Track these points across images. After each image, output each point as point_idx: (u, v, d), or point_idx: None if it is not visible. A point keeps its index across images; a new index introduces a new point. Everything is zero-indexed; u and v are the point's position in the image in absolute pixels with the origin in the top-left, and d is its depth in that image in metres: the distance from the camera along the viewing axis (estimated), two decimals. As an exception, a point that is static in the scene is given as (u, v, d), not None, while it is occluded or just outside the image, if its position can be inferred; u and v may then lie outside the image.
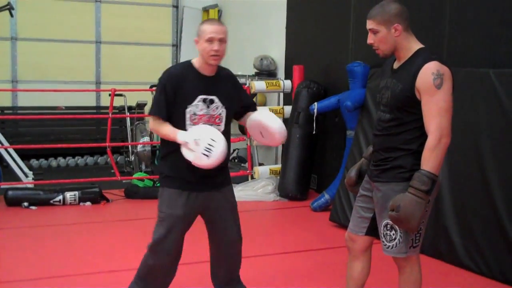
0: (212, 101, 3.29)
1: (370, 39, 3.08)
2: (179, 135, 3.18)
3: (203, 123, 3.26)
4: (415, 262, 3.17)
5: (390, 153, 3.07)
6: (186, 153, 3.16)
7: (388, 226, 3.08)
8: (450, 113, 2.92)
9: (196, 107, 3.26)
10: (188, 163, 3.22)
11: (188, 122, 3.26)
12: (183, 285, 4.11)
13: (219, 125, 3.32)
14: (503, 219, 4.47)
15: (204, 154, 3.09)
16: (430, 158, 2.88)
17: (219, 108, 3.32)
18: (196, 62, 3.35)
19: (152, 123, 3.31)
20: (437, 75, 2.88)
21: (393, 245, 3.09)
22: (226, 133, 3.37)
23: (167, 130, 3.25)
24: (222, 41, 3.25)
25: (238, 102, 3.46)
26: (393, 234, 3.07)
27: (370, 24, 3.05)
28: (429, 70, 2.89)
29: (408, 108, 2.98)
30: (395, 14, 2.99)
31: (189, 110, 3.25)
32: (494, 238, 4.54)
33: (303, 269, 4.77)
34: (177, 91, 3.22)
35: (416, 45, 3.05)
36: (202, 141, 3.10)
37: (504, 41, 4.88)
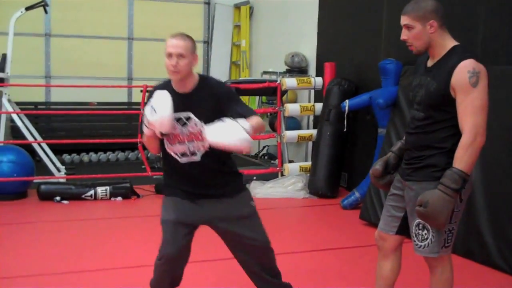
0: (188, 118, 3.18)
1: (404, 35, 3.04)
2: (143, 126, 3.18)
3: (180, 142, 3.21)
4: (447, 262, 3.13)
5: (423, 152, 3.03)
6: (151, 132, 3.15)
7: (420, 225, 3.04)
8: (486, 112, 2.86)
9: None
10: (182, 179, 3.26)
11: (165, 141, 3.25)
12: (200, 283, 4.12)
13: (202, 141, 3.15)
14: (537, 220, 4.39)
15: (153, 116, 3.03)
16: (464, 157, 2.84)
17: (198, 125, 3.18)
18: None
19: None
20: (473, 73, 2.83)
21: (425, 244, 3.06)
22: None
23: (143, 139, 3.28)
24: (181, 56, 3.12)
25: (223, 116, 3.14)
26: (425, 234, 3.04)
27: (404, 20, 3.01)
28: (465, 68, 2.84)
29: (443, 106, 2.94)
30: (430, 10, 2.95)
31: None
32: (528, 239, 4.47)
33: (333, 267, 4.74)
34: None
35: (451, 43, 3.00)
36: (147, 111, 3.06)
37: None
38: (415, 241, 3.11)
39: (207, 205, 3.30)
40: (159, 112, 3.02)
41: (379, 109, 6.23)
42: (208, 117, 3.14)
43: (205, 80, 3.28)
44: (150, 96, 3.25)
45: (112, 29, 10.79)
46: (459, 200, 2.96)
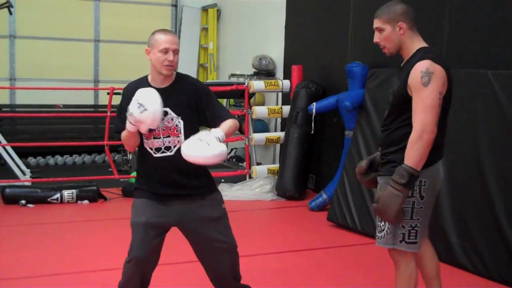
0: (165, 113, 3.20)
1: (376, 38, 3.20)
2: (127, 124, 3.14)
3: (155, 137, 3.22)
4: (411, 259, 3.20)
5: (387, 149, 3.18)
6: (137, 129, 3.13)
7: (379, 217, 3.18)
8: (436, 111, 2.97)
9: None
10: (155, 177, 3.26)
11: (143, 136, 3.25)
12: (169, 285, 4.11)
13: (178, 136, 3.22)
14: (501, 220, 4.47)
15: (141, 112, 3.01)
16: (411, 153, 2.97)
17: (174, 120, 3.22)
18: (150, 75, 3.30)
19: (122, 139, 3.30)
20: (425, 73, 2.96)
21: (381, 236, 3.18)
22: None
23: (122, 134, 3.24)
24: (176, 52, 3.19)
25: (199, 112, 3.29)
26: (382, 225, 3.17)
27: (376, 23, 3.18)
28: (419, 68, 2.98)
29: (403, 105, 3.06)
30: (400, 13, 3.11)
31: None
32: (492, 239, 4.54)
33: (301, 269, 4.76)
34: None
35: (418, 45, 3.13)
36: (132, 107, 3.04)
37: (503, 43, 4.89)
38: (376, 233, 3.24)
39: (178, 206, 3.29)
40: (150, 108, 3.03)
41: (346, 111, 6.29)
42: (184, 112, 3.23)
43: (182, 77, 3.33)
44: (126, 95, 3.24)
45: (78, 31, 10.68)
46: (419, 197, 3.06)
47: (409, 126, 3.03)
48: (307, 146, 7.34)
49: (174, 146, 3.23)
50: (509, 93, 4.54)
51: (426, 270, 3.43)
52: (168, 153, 3.24)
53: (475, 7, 5.19)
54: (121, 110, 3.27)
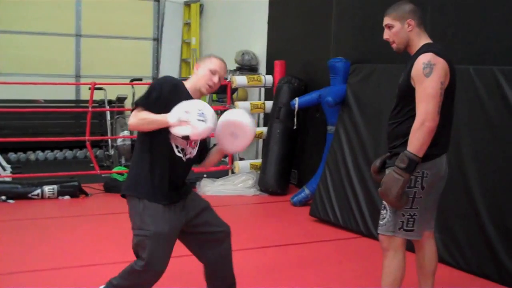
0: None
1: (386, 35, 3.37)
2: (169, 116, 3.07)
3: (179, 144, 3.22)
4: (400, 248, 3.29)
5: (393, 142, 3.32)
6: (180, 130, 3.06)
7: (383, 206, 3.31)
8: (437, 100, 3.10)
9: None
10: (171, 176, 3.23)
11: (169, 135, 3.16)
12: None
13: (193, 149, 3.31)
14: (481, 214, 4.51)
15: (200, 120, 3.04)
16: (412, 139, 3.11)
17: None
18: (188, 83, 3.32)
19: (135, 116, 3.14)
20: (427, 65, 3.11)
21: (383, 223, 3.31)
22: (197, 156, 3.38)
23: (155, 117, 3.11)
24: (221, 78, 3.34)
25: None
26: (384, 213, 3.30)
27: (386, 20, 3.35)
28: (421, 60, 3.14)
29: (407, 96, 3.21)
30: (409, 11, 3.30)
31: None
32: (472, 233, 4.59)
33: (283, 264, 4.77)
34: (170, 97, 3.14)
35: (424, 41, 3.31)
36: (192, 109, 3.05)
37: (484, 38, 4.92)
38: (379, 221, 3.35)
39: (183, 204, 3.32)
40: (209, 123, 3.10)
41: (328, 107, 6.30)
42: None
43: None
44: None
45: (59, 26, 10.58)
46: (420, 187, 3.20)
47: (413, 118, 3.16)
48: (290, 141, 7.35)
49: (190, 153, 3.30)
50: (490, 89, 4.58)
51: (426, 263, 3.51)
52: (186, 156, 3.28)
53: (456, 2, 5.22)
54: (162, 93, 3.16)
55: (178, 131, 3.08)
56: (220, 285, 3.53)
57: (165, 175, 3.22)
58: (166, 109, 3.10)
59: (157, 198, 3.21)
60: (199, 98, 3.31)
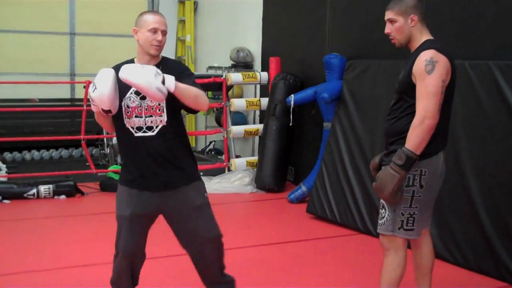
0: None
1: (388, 29, 3.32)
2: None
3: (137, 116, 3.16)
4: (401, 247, 3.28)
5: (391, 138, 3.29)
6: (93, 107, 3.15)
7: (381, 205, 3.28)
8: (438, 98, 3.07)
9: (129, 99, 3.16)
10: (136, 159, 3.19)
11: (124, 115, 3.18)
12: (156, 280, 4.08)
13: (160, 116, 3.15)
14: (478, 210, 4.51)
15: (94, 90, 3.04)
16: (411, 136, 3.08)
17: None
18: (136, 57, 3.29)
19: None
20: (429, 62, 3.08)
21: (382, 222, 3.28)
22: (172, 125, 3.19)
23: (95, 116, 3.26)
24: (164, 33, 3.21)
25: None
26: (383, 212, 3.28)
27: (388, 15, 3.30)
28: (424, 57, 3.10)
29: (407, 92, 3.18)
30: (412, 5, 3.26)
31: (124, 103, 3.17)
32: (469, 229, 4.58)
33: (281, 261, 4.76)
34: (116, 86, 3.12)
35: (426, 37, 3.28)
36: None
37: (478, 33, 4.91)
38: (378, 221, 3.32)
39: (161, 193, 3.23)
40: (99, 88, 3.02)
41: (324, 103, 6.28)
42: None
43: (166, 58, 3.34)
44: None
45: (53, 24, 10.55)
46: (419, 186, 3.17)
47: (412, 115, 3.13)
48: (286, 138, 7.33)
49: (157, 127, 3.16)
50: (486, 84, 4.57)
51: (423, 261, 3.49)
52: (150, 133, 3.16)
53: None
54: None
55: (96, 110, 3.14)
56: (203, 280, 3.48)
57: (128, 159, 3.27)
58: (117, 100, 3.15)
59: (123, 181, 3.32)
60: (151, 62, 3.20)
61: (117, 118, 3.21)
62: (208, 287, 3.48)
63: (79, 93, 9.85)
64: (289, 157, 7.47)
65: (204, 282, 3.48)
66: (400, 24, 3.25)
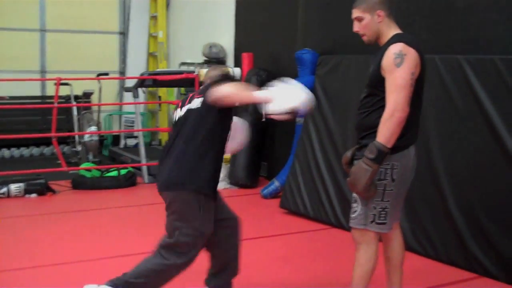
0: None
1: (356, 27, 3.33)
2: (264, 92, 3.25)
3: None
4: (373, 241, 3.29)
5: (362, 132, 3.29)
6: (277, 105, 3.20)
7: (353, 199, 3.29)
8: (408, 90, 3.08)
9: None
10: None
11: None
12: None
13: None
14: (448, 203, 4.56)
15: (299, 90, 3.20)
16: (382, 130, 3.09)
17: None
18: None
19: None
20: (398, 55, 3.10)
21: (354, 216, 3.29)
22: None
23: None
24: None
25: None
26: (355, 206, 3.28)
27: (355, 13, 3.32)
28: (392, 50, 3.12)
29: (377, 86, 3.18)
30: (377, 1, 3.28)
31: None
32: (440, 222, 4.63)
33: (255, 257, 4.76)
34: None
35: (394, 31, 3.29)
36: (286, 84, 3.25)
37: (448, 27, 4.95)
38: (350, 215, 3.33)
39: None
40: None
41: (297, 98, 6.28)
42: None
43: None
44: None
45: (23, 20, 10.40)
46: (390, 179, 3.18)
47: (382, 108, 3.13)
48: (259, 133, 7.33)
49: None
50: (456, 78, 4.61)
51: (393, 254, 3.50)
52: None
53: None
54: None
55: (270, 107, 3.25)
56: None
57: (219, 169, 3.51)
58: None
59: (213, 196, 3.48)
60: None
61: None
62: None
63: (50, 91, 9.72)
64: (262, 153, 7.47)
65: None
66: (367, 21, 3.27)
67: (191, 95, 3.49)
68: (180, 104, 3.52)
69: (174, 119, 3.49)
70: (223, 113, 3.30)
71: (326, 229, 5.55)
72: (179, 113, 3.45)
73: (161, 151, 3.48)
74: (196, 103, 3.36)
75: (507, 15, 4.56)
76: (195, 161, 3.27)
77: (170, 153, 3.33)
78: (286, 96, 3.16)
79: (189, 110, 3.37)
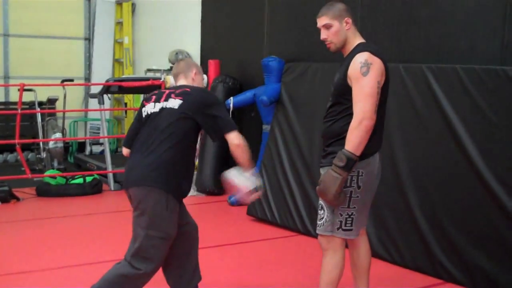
0: None
1: (324, 35, 3.34)
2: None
3: None
4: (339, 248, 3.32)
5: (328, 140, 3.31)
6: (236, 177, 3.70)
7: (320, 206, 3.31)
8: (374, 98, 3.13)
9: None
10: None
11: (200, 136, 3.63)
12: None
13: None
14: (414, 210, 4.62)
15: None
16: (350, 138, 3.12)
17: None
18: None
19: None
20: (364, 64, 3.14)
21: (321, 223, 3.31)
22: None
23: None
24: None
25: None
26: (322, 213, 3.31)
27: (323, 20, 3.32)
28: (358, 59, 3.16)
29: (343, 95, 3.21)
30: (344, 9, 3.33)
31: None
32: (406, 228, 4.69)
33: (222, 264, 4.76)
34: None
35: (359, 40, 3.33)
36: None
37: (412, 37, 5.04)
38: (317, 221, 3.35)
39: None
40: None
41: (263, 106, 6.32)
42: None
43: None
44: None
45: (-14, 26, 10.25)
46: (356, 186, 3.22)
47: (349, 116, 3.16)
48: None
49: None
50: (419, 87, 4.69)
51: (360, 260, 3.54)
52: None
53: (385, 3, 5.32)
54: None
55: (231, 174, 3.81)
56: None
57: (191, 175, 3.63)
58: None
59: (183, 195, 3.56)
60: None
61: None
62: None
63: (14, 96, 9.58)
64: (229, 160, 7.44)
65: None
66: (337, 28, 3.29)
67: (167, 91, 3.48)
68: (153, 99, 3.49)
69: (146, 113, 3.46)
70: (197, 126, 3.47)
71: (293, 236, 5.58)
72: (151, 107, 3.45)
73: (133, 146, 3.45)
74: (173, 103, 3.38)
75: (466, 27, 4.68)
76: (170, 162, 3.30)
77: (144, 150, 3.32)
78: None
79: (164, 109, 3.38)
